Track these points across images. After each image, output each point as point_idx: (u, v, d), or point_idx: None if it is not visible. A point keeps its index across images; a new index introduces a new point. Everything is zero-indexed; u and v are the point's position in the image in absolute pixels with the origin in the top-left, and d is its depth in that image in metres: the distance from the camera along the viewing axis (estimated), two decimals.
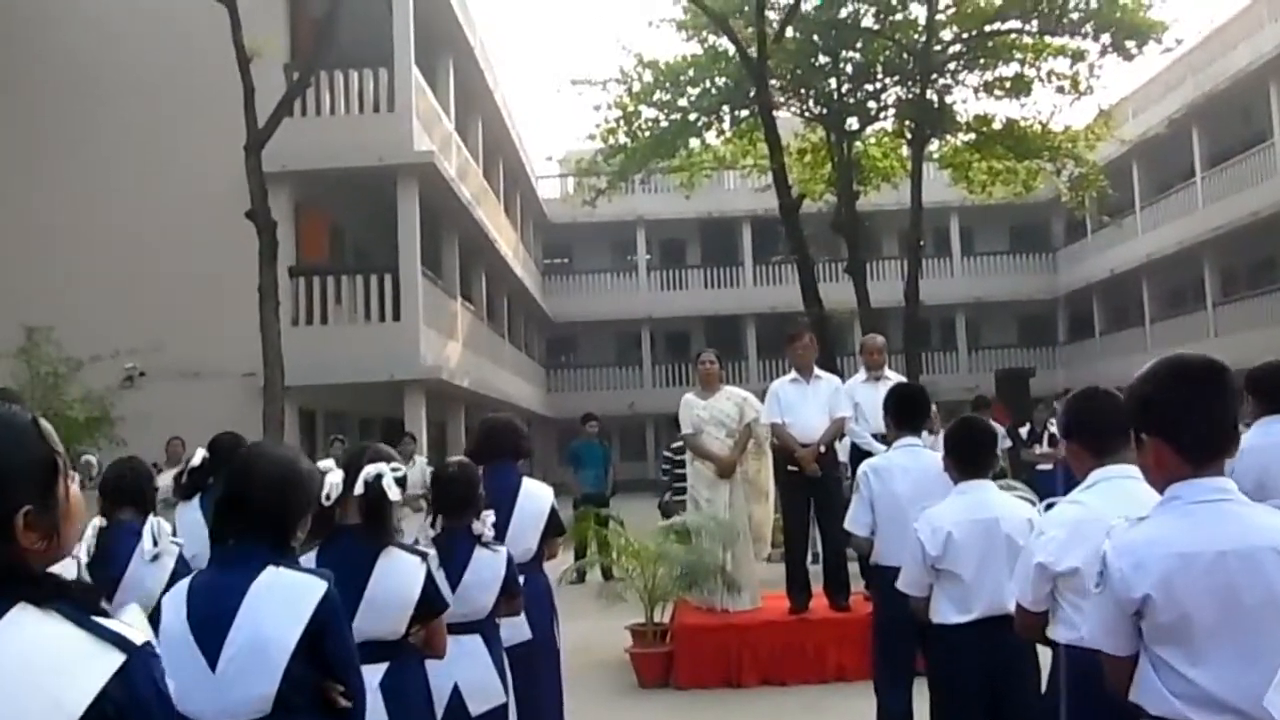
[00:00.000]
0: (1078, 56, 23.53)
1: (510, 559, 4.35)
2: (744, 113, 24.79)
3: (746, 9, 20.76)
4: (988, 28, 23.32)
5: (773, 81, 20.21)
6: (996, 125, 25.07)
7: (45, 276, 15.93)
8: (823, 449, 7.88)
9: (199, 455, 5.14)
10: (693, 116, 24.42)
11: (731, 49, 23.94)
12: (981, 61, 24.44)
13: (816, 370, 8.26)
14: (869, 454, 7.91)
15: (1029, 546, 3.25)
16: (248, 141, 13.40)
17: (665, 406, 15.84)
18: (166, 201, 16.54)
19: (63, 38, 16.81)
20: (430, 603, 3.55)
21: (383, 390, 17.41)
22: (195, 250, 16.29)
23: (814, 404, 7.96)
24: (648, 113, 24.52)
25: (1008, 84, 24.43)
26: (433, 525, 4.41)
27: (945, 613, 4.12)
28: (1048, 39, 23.49)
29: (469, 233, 21.68)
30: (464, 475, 4.48)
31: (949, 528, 4.05)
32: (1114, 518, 3.05)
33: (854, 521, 5.04)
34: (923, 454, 5.05)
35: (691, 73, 23.96)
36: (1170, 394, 2.45)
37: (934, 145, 25.57)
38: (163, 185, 16.58)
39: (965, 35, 23.58)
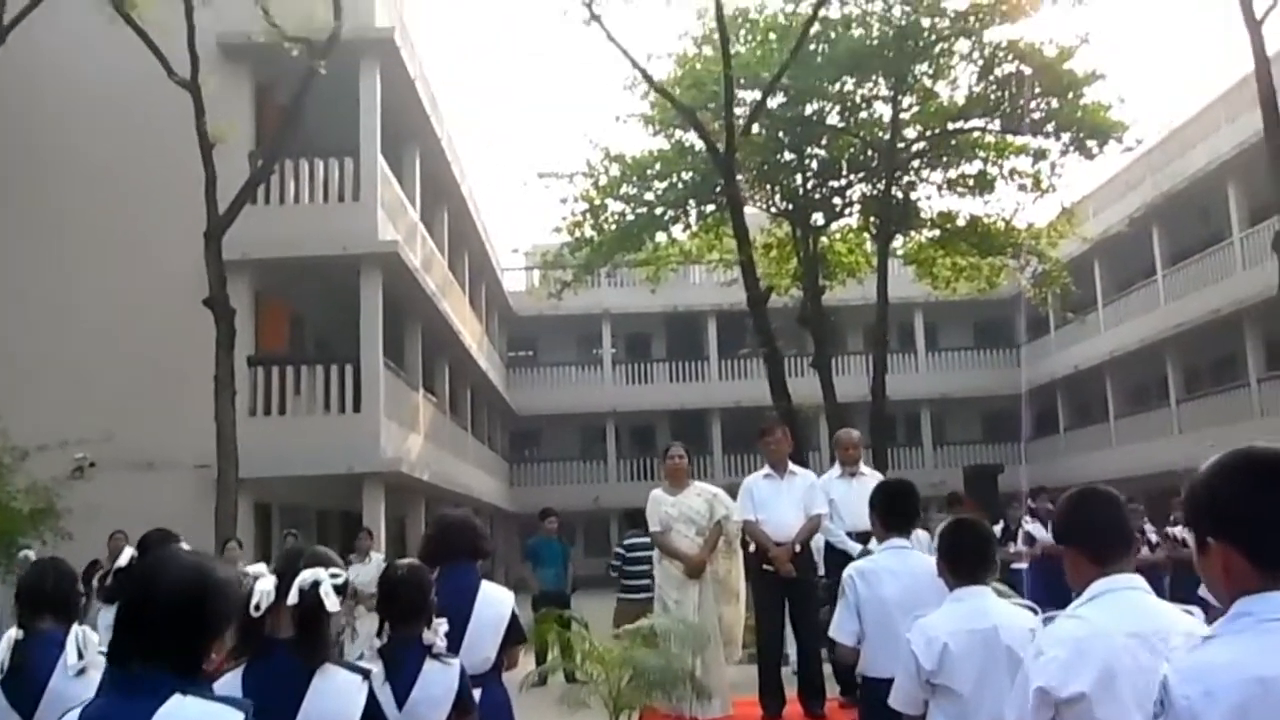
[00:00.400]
0: (1040, 155, 23.91)
1: (464, 672, 3.98)
2: (710, 207, 24.94)
3: (714, 104, 20.92)
4: (951, 125, 23.67)
5: (739, 176, 20.27)
6: (960, 222, 25.37)
7: None
8: (798, 548, 7.56)
9: (126, 554, 4.74)
10: (659, 210, 24.52)
11: (699, 144, 24.18)
12: (945, 159, 24.81)
13: (791, 465, 7.98)
14: (845, 554, 7.59)
15: (1026, 668, 2.92)
16: (208, 229, 13.20)
17: (630, 501, 15.50)
18: (123, 286, 16.25)
19: (20, 119, 16.59)
20: None
21: (341, 483, 17.00)
22: (151, 337, 15.97)
23: (789, 500, 7.67)
24: (614, 206, 24.62)
25: (971, 181, 24.77)
26: (379, 634, 4.05)
27: None
28: (1010, 138, 23.86)
29: (433, 324, 21.44)
30: (414, 579, 4.11)
31: (944, 638, 3.72)
32: (1120, 635, 2.82)
33: (839, 629, 4.65)
34: (912, 556, 4.76)
35: (658, 167, 24.12)
36: (1245, 491, 2.09)
37: (898, 241, 25.79)
38: (120, 270, 16.30)
39: (929, 133, 23.92)
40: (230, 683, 3.07)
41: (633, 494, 13.36)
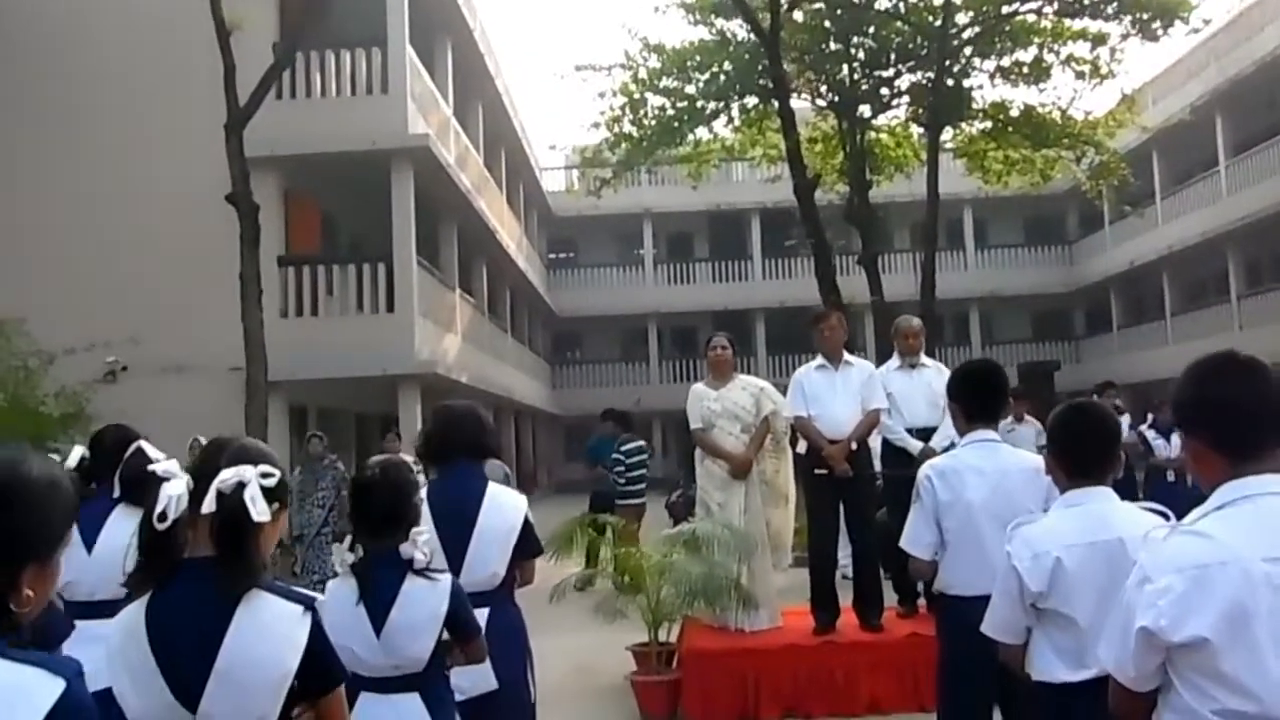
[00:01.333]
0: (1099, 40, 22.88)
1: (458, 590, 3.39)
2: (753, 100, 24.16)
3: None
4: (1005, 9, 22.57)
5: (784, 65, 19.40)
6: (1014, 112, 24.40)
7: (16, 267, 15.14)
8: (854, 446, 6.92)
9: (75, 454, 4.21)
10: (700, 104, 23.71)
11: (741, 33, 23.34)
12: (998, 46, 23.71)
13: (846, 355, 7.23)
14: (905, 452, 7.10)
15: (1129, 600, 2.27)
16: (228, 121, 12.64)
17: (672, 403, 15.02)
18: (147, 186, 15.78)
19: (34, 14, 16.05)
20: (319, 672, 2.47)
21: (376, 386, 16.66)
22: (179, 238, 15.53)
23: (844, 394, 6.99)
24: (654, 100, 23.84)
25: (1025, 69, 23.73)
26: (352, 549, 3.44)
27: (1050, 667, 3.08)
28: (1067, 22, 22.77)
29: (469, 223, 20.90)
30: (386, 480, 3.44)
31: (1057, 553, 3.03)
32: (1257, 560, 2.13)
33: (913, 540, 4.00)
34: (1002, 451, 4.07)
35: (699, 58, 23.23)
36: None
37: (948, 134, 24.84)
38: (142, 171, 15.81)
39: (982, 18, 22.79)
40: (133, 619, 2.45)
41: (675, 396, 12.85)
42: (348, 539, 3.50)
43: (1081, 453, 3.20)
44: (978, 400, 4.17)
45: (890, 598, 7.28)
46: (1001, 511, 3.50)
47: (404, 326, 16.21)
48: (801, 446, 7.12)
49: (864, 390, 7.05)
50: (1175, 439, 10.32)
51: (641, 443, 13.67)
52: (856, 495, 7.01)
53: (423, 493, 3.69)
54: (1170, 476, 10.49)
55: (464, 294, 20.84)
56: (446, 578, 3.41)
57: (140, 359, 14.90)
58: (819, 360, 7.24)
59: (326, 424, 17.96)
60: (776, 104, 18.93)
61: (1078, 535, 3.05)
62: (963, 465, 4.03)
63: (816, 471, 6.94)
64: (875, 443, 7.43)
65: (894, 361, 7.63)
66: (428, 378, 16.58)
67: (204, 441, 2.92)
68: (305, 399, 16.89)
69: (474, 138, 23.02)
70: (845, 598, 7.19)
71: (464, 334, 20.32)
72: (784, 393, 7.33)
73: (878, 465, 7.52)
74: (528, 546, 4.05)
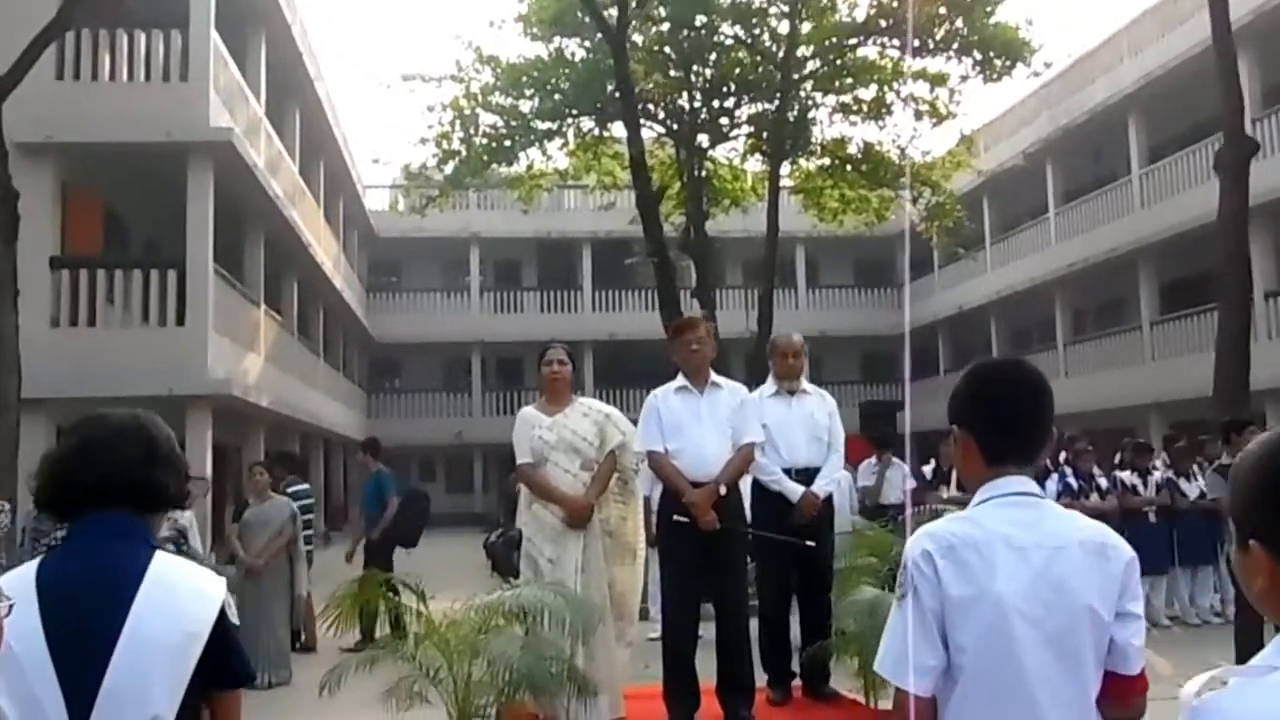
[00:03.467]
0: (938, 81, 22.79)
1: None
2: (589, 123, 23.32)
3: None
4: (850, 42, 22.24)
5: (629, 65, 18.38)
6: (852, 149, 24.13)
7: None
8: (723, 490, 5.58)
9: None
10: (534, 123, 22.63)
11: (580, 52, 22.40)
12: (837, 85, 23.41)
13: (714, 376, 5.89)
14: (780, 499, 5.92)
15: None
16: None
17: (495, 436, 13.72)
18: None
19: None
20: None
21: (162, 407, 14.75)
22: None
23: (711, 424, 5.67)
24: (486, 118, 22.68)
25: (866, 106, 23.50)
26: None
27: None
28: (909, 60, 22.61)
29: (279, 234, 19.11)
30: None
31: None
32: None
33: (896, 662, 2.19)
34: (1051, 514, 2.30)
35: (536, 74, 22.16)
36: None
37: (786, 170, 24.38)
38: None
39: (827, 52, 22.38)
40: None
41: (498, 429, 11.57)
42: None
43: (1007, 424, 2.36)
44: (1006, 427, 2.35)
45: (761, 677, 6.00)
46: (1053, 617, 2.15)
47: (196, 342, 14.42)
48: (655, 489, 5.88)
49: (735, 419, 5.71)
50: (1050, 484, 9.49)
51: (306, 486, 12.29)
52: (725, 551, 5.61)
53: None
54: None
55: (270, 311, 19.03)
56: None
57: None
58: (679, 381, 5.88)
59: None
60: (620, 107, 17.92)
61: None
62: (988, 535, 2.23)
63: (675, 519, 5.56)
64: (744, 483, 6.06)
65: (769, 386, 6.39)
66: (221, 399, 14.78)
67: None
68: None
69: (289, 144, 21.26)
70: (706, 677, 5.75)
71: (268, 354, 18.50)
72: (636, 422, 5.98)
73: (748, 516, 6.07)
74: (224, 669, 2.27)
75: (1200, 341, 19.15)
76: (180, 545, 7.54)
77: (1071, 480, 9.40)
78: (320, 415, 23.51)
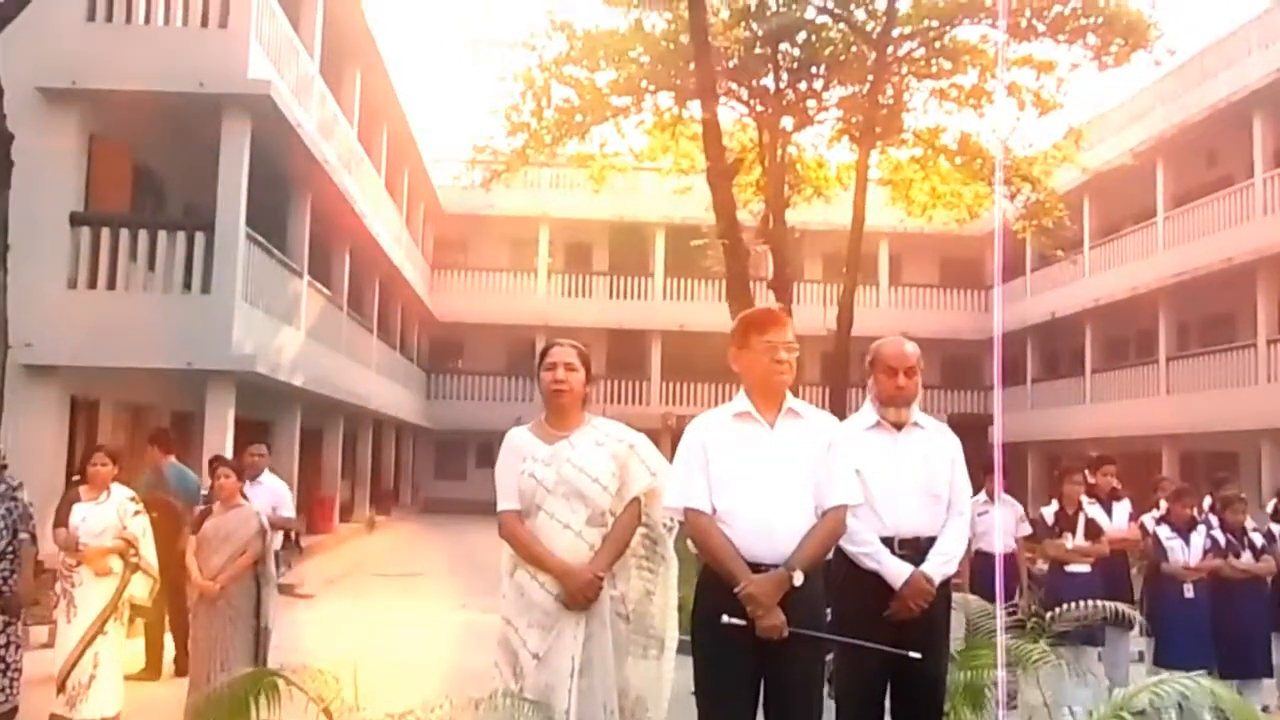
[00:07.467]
0: (1045, 68, 21.02)
1: None
2: (666, 100, 21.94)
3: None
4: (948, 28, 20.61)
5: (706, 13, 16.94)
6: (948, 140, 22.50)
7: None
8: (798, 579, 3.64)
9: None
10: (608, 96, 21.30)
11: (660, 24, 21.08)
12: (935, 69, 21.76)
13: (790, 399, 3.95)
14: (874, 580, 4.11)
15: None
16: None
17: None
18: None
19: None
20: None
21: (180, 381, 13.71)
22: None
23: (785, 474, 3.76)
24: (559, 91, 21.39)
25: (964, 93, 21.84)
26: None
27: None
28: (1014, 44, 20.88)
29: (329, 201, 17.94)
30: None
31: None
32: None
33: None
34: None
35: (612, 45, 20.82)
36: None
37: (874, 160, 22.75)
38: None
39: (926, 34, 20.73)
40: None
41: None
42: None
43: None
44: None
45: None
46: None
47: (222, 312, 13.25)
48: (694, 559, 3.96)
49: (820, 469, 3.81)
50: (1198, 539, 7.80)
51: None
52: (793, 668, 3.69)
53: None
54: (1188, 591, 7.77)
55: (315, 283, 17.88)
56: None
57: None
58: (740, 403, 3.93)
59: (126, 422, 14.93)
60: (695, 76, 16.39)
61: None
62: None
63: (725, 621, 3.63)
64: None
65: (866, 415, 4.43)
66: (246, 376, 13.60)
67: None
68: (94, 390, 13.81)
69: (347, 107, 20.09)
70: None
71: (310, 329, 17.35)
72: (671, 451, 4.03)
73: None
74: None
75: None
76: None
77: (1218, 534, 7.66)
78: (371, 395, 22.36)
